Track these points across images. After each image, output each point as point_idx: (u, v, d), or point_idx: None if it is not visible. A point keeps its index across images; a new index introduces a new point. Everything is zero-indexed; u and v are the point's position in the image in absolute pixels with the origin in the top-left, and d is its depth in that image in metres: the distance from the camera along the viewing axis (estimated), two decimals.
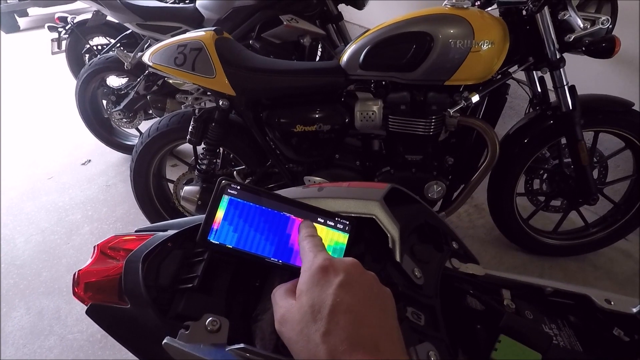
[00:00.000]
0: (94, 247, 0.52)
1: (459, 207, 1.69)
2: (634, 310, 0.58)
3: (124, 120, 2.59)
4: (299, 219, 0.47)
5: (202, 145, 1.73)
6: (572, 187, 1.64)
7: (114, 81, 2.77)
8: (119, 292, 0.46)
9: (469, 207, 2.23)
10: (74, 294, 0.49)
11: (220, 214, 0.46)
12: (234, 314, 0.46)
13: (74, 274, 0.49)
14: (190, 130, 1.67)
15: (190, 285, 0.45)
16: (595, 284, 1.77)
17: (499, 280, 0.63)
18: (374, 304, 0.35)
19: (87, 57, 3.08)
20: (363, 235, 0.55)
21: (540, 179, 1.74)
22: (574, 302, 0.61)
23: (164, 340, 0.39)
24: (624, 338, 0.57)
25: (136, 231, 0.55)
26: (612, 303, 0.59)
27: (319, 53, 2.54)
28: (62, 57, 3.11)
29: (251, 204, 0.47)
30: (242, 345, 0.40)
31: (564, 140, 1.58)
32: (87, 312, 0.45)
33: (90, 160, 2.98)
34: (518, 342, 0.49)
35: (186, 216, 1.95)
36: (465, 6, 1.40)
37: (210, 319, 0.42)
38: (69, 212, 2.45)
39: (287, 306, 0.37)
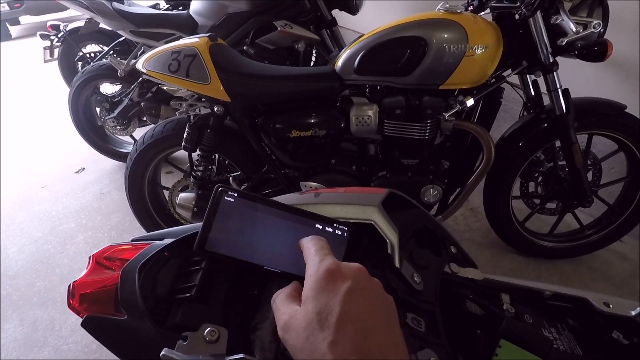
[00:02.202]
0: (89, 257, 0.51)
1: (455, 211, 1.69)
2: (633, 313, 0.58)
3: (117, 127, 2.58)
4: (297, 225, 0.47)
5: (197, 152, 1.73)
6: (567, 190, 1.65)
7: (108, 88, 2.77)
8: (115, 303, 0.46)
9: (465, 211, 2.23)
10: (69, 305, 0.48)
11: (217, 221, 0.46)
12: (233, 323, 0.45)
13: (69, 285, 0.48)
14: (185, 136, 1.66)
15: (188, 295, 0.45)
16: (591, 286, 1.78)
17: (498, 284, 0.62)
18: (380, 312, 0.35)
19: (80, 65, 3.06)
20: (361, 241, 0.55)
21: (536, 182, 1.75)
22: (573, 305, 0.61)
23: (162, 352, 0.38)
24: (623, 341, 0.57)
25: (132, 240, 0.54)
26: (611, 306, 0.59)
27: (313, 58, 2.55)
28: (55, 65, 3.09)
29: (249, 211, 0.46)
30: (241, 355, 0.39)
31: (558, 143, 1.59)
32: (82, 325, 0.44)
33: (84, 168, 2.96)
34: (518, 347, 0.49)
35: (182, 223, 1.94)
36: (458, 11, 1.41)
37: (209, 329, 0.41)
38: (63, 221, 2.42)
39: (290, 312, 0.36)
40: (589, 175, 1.68)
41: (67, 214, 2.48)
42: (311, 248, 0.40)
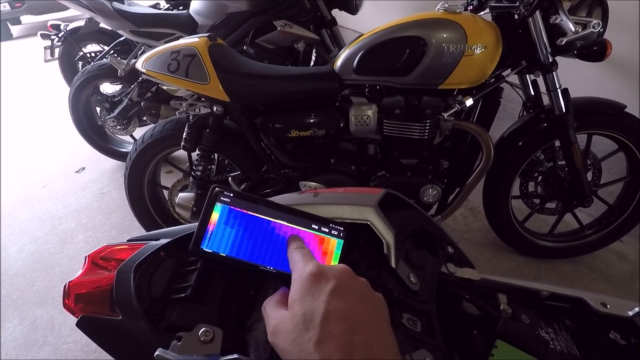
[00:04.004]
0: (85, 257, 0.51)
1: (454, 211, 1.69)
2: (630, 313, 0.58)
3: (118, 127, 2.58)
4: (293, 226, 0.47)
5: (197, 152, 1.73)
6: (567, 190, 1.65)
7: (108, 88, 2.77)
8: (110, 303, 0.46)
9: (465, 211, 2.23)
10: (65, 305, 0.48)
11: (213, 221, 0.46)
12: (228, 323, 0.45)
13: (65, 285, 0.48)
14: (184, 136, 1.67)
15: (183, 295, 0.45)
16: (590, 286, 1.78)
17: (495, 284, 0.62)
18: (367, 310, 0.35)
19: (80, 65, 3.07)
20: (358, 242, 0.55)
21: (535, 182, 1.74)
22: (570, 305, 0.61)
23: (156, 352, 0.38)
24: (620, 342, 0.57)
25: (128, 240, 0.54)
26: (608, 306, 0.58)
27: (313, 58, 2.55)
28: (56, 64, 3.10)
29: (244, 211, 0.46)
30: (235, 355, 0.39)
31: (557, 143, 1.59)
32: (77, 325, 0.44)
33: (84, 167, 2.96)
34: (515, 348, 0.49)
35: (181, 223, 1.94)
36: (457, 11, 1.41)
37: (203, 329, 0.41)
38: (63, 221, 2.43)
39: (279, 317, 0.37)
40: (589, 175, 1.68)
41: (67, 214, 2.49)
42: (295, 257, 0.41)
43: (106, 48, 2.91)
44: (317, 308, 0.34)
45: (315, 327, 0.33)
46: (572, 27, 1.30)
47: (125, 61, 2.31)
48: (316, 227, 0.48)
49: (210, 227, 0.46)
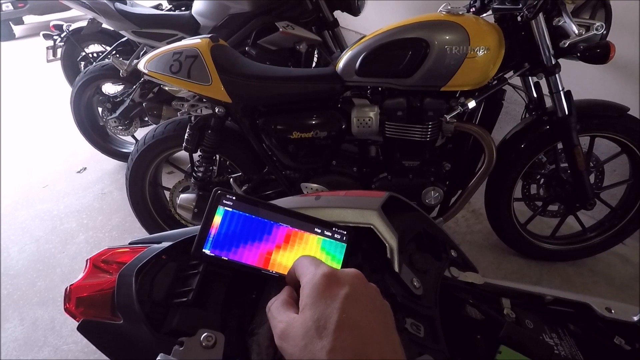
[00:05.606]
0: (86, 260, 0.51)
1: (456, 213, 1.68)
2: (635, 318, 0.58)
3: (119, 127, 2.58)
4: (296, 229, 0.47)
5: (198, 153, 1.73)
6: (569, 192, 1.64)
7: (110, 89, 2.78)
8: (111, 307, 0.45)
9: (467, 213, 2.22)
10: (66, 309, 0.47)
11: (215, 225, 0.45)
12: (230, 328, 0.45)
13: (66, 289, 0.48)
14: (186, 137, 1.66)
15: (185, 299, 0.44)
16: (593, 289, 1.77)
17: (499, 288, 0.62)
18: (378, 318, 0.35)
19: (82, 65, 3.07)
20: (360, 246, 0.55)
21: (538, 184, 1.74)
22: (575, 310, 0.61)
23: (158, 358, 0.38)
24: (625, 347, 0.56)
25: (130, 243, 0.54)
26: (613, 311, 0.58)
27: (315, 59, 2.55)
28: (58, 64, 3.11)
29: (247, 214, 0.46)
30: None
31: (560, 146, 1.58)
32: (78, 329, 0.44)
33: (85, 168, 2.96)
34: (518, 353, 0.48)
35: (182, 224, 1.94)
36: (460, 12, 1.41)
37: (205, 334, 0.41)
38: (64, 221, 2.43)
39: (287, 320, 0.36)
40: (591, 178, 1.67)
41: (69, 214, 2.49)
42: (304, 261, 0.40)
43: (108, 48, 2.91)
44: (331, 315, 0.33)
45: (328, 335, 0.32)
46: (575, 29, 1.29)
47: (128, 62, 2.31)
48: (319, 231, 0.47)
49: (213, 231, 0.45)
